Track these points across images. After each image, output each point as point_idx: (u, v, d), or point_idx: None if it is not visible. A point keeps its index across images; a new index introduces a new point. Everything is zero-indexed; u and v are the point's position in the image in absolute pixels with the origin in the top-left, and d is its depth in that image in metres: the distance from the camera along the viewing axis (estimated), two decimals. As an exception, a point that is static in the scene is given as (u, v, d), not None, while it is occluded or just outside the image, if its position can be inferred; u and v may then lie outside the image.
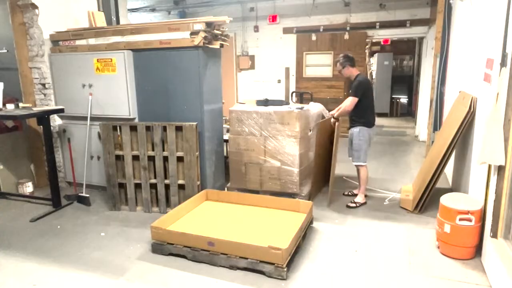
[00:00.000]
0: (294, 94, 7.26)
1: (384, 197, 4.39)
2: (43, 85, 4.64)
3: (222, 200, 4.00)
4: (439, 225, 3.09)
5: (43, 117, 4.04)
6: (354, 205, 4.13)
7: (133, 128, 3.98)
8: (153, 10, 9.11)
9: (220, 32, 4.07)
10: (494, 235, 2.65)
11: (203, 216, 3.66)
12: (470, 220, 2.89)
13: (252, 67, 9.03)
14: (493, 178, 2.70)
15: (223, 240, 2.91)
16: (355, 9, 7.86)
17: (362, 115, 4.03)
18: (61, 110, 4.35)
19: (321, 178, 4.65)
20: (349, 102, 3.96)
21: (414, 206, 3.90)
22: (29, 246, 3.36)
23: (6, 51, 4.76)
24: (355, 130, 4.07)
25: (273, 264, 2.75)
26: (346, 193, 4.52)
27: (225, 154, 4.87)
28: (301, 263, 2.98)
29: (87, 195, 4.32)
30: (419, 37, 8.53)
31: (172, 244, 3.11)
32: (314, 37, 8.11)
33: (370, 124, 4.08)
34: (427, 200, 3.84)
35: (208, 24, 3.89)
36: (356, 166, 4.18)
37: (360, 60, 7.82)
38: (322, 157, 4.38)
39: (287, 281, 2.74)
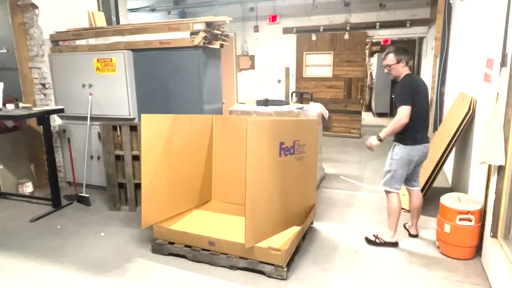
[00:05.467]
0: (294, 94, 7.25)
1: (384, 197, 4.37)
2: (43, 85, 4.64)
3: (226, 200, 3.99)
4: (439, 225, 3.09)
5: (43, 117, 4.04)
6: (374, 239, 3.26)
7: (133, 128, 3.97)
8: (153, 10, 9.11)
9: (220, 32, 4.07)
10: (494, 235, 2.65)
11: (205, 216, 3.64)
12: (470, 220, 2.89)
13: (252, 67, 9.04)
14: (493, 178, 2.70)
15: (224, 240, 2.92)
16: (355, 9, 7.86)
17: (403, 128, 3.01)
18: (61, 110, 4.35)
19: None
20: (401, 114, 2.93)
21: (414, 206, 3.88)
22: (29, 246, 3.36)
23: (6, 51, 4.76)
24: (394, 146, 3.17)
25: (273, 264, 2.75)
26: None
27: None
28: (301, 263, 2.98)
29: (87, 195, 4.32)
30: (419, 37, 8.53)
31: (173, 244, 3.11)
32: (314, 37, 8.11)
33: (413, 141, 3.05)
34: (426, 199, 3.82)
35: (208, 24, 3.89)
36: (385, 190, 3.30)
37: (360, 60, 7.82)
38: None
39: (287, 281, 2.74)
